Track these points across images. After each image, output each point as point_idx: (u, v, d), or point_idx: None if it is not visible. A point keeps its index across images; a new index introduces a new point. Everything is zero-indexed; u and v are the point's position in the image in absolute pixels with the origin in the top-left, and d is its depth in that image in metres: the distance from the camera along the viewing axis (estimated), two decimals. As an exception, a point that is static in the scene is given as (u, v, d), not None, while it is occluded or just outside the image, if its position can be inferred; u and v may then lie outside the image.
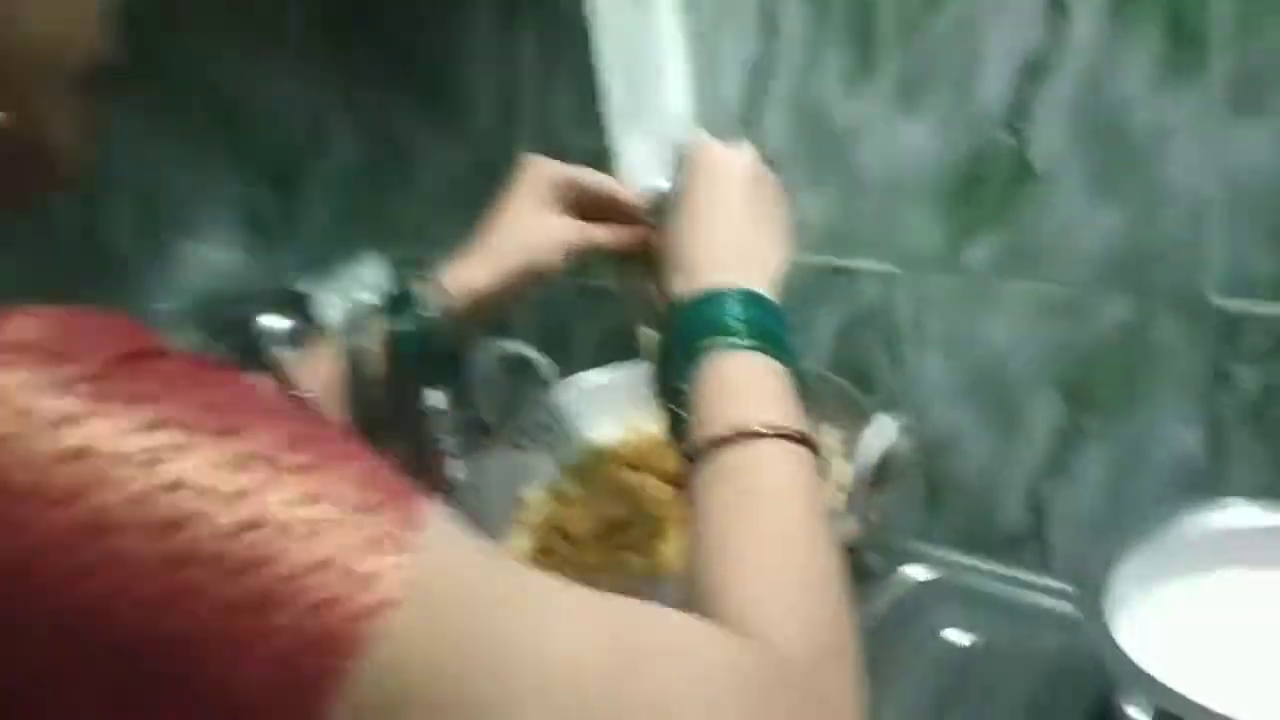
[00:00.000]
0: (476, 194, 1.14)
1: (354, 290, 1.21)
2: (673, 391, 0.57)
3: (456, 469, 1.19)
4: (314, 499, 0.30)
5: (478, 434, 0.94)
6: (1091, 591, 0.65)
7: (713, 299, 0.58)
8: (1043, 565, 0.97)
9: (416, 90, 1.13)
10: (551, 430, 0.98)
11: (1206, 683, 0.59)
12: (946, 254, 0.91)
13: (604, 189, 0.75)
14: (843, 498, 0.85)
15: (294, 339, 1.08)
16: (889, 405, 0.99)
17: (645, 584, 0.79)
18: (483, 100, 1.07)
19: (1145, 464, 0.87)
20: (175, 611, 0.27)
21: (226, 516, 0.28)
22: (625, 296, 0.74)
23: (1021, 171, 0.84)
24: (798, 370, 0.58)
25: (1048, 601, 0.84)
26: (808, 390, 0.93)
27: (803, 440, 0.52)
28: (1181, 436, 0.84)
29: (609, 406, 0.99)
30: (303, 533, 0.29)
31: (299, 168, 1.17)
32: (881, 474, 0.77)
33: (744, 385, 0.55)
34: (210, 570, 0.28)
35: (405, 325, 0.72)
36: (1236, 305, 0.78)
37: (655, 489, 0.91)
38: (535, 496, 0.93)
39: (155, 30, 1.01)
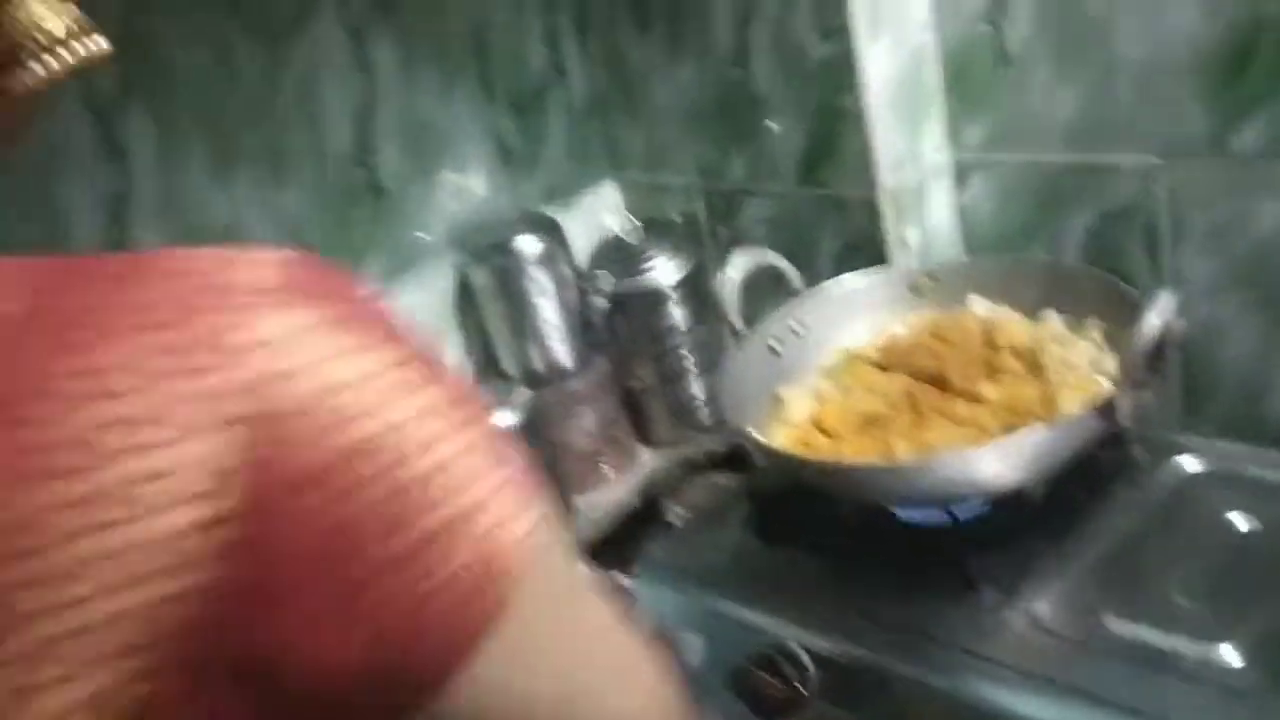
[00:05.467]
0: (706, 117, 1.17)
1: (593, 215, 1.27)
2: None
3: (696, 387, 1.24)
4: (478, 449, 0.31)
5: (725, 342, 0.98)
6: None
7: None
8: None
9: (650, 14, 1.16)
10: (800, 335, 1.01)
11: None
12: (1213, 140, 0.88)
13: None
14: (1110, 387, 0.84)
15: (545, 261, 1.14)
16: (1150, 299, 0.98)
17: (914, 466, 0.81)
18: (718, 19, 1.09)
19: None
20: (388, 536, 0.29)
21: (425, 458, 0.30)
22: None
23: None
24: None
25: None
26: (1068, 282, 0.93)
27: None
28: None
29: (856, 311, 1.01)
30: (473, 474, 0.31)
31: (540, 97, 1.22)
32: (1156, 357, 0.76)
33: None
34: (417, 496, 0.29)
35: None
36: None
37: (905, 385, 0.92)
38: (791, 395, 0.96)
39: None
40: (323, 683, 0.29)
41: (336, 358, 0.29)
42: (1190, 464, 0.87)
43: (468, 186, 1.18)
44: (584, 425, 1.20)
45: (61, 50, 0.33)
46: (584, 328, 1.19)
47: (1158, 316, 0.74)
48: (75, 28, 0.34)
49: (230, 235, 0.97)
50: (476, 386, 1.16)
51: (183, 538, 0.27)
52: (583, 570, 0.35)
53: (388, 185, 1.11)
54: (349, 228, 1.09)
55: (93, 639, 0.26)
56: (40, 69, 0.33)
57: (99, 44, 0.34)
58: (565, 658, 0.34)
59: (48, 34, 0.33)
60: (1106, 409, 0.76)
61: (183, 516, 0.27)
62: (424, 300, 1.16)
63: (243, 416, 0.27)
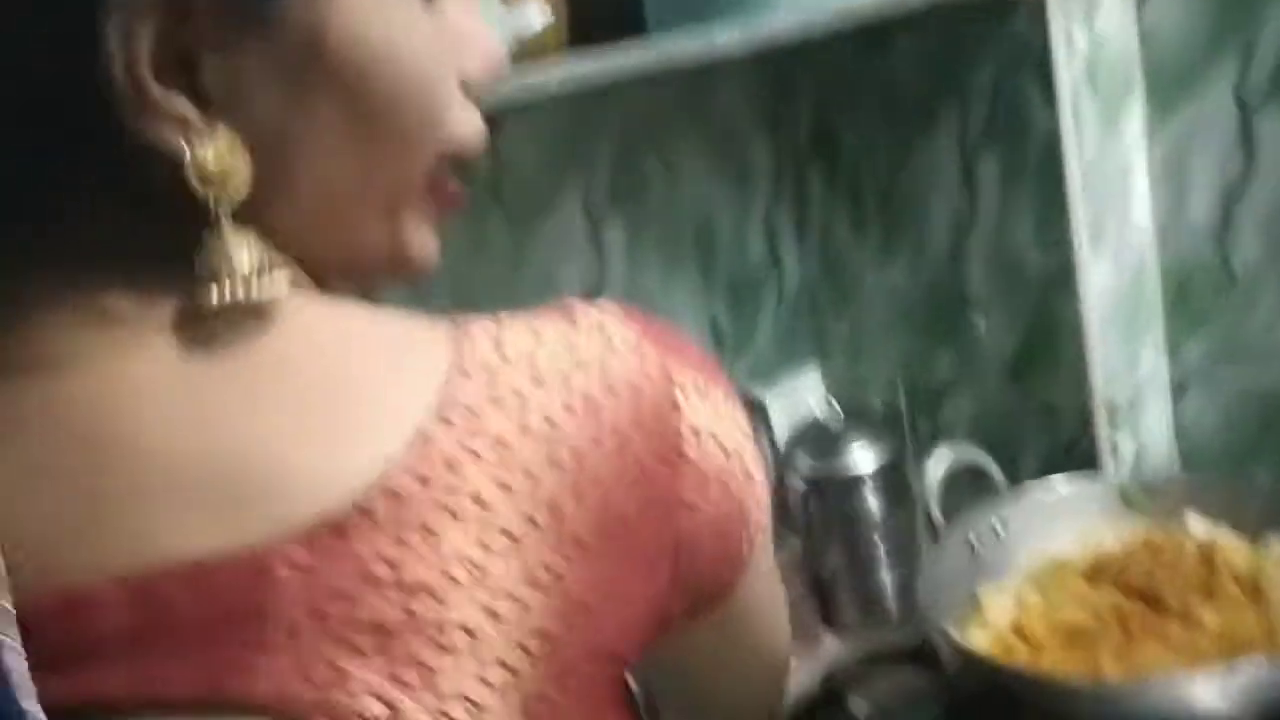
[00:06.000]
0: (914, 313, 1.20)
1: (796, 399, 1.31)
2: None
3: (886, 577, 1.23)
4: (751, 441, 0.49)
5: (921, 536, 0.98)
6: None
7: None
8: None
9: (866, 215, 1.22)
10: (1002, 537, 1.00)
11: None
12: None
13: None
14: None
15: (748, 437, 1.17)
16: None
17: (1124, 687, 0.79)
18: (935, 224, 1.14)
19: None
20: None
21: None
22: None
23: None
24: None
25: None
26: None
27: None
28: None
29: (1062, 517, 1.00)
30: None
31: (754, 286, 1.29)
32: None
33: None
34: (740, 478, 0.46)
35: None
36: None
37: (1115, 600, 0.90)
38: (991, 597, 0.95)
39: (652, 167, 1.18)
40: (702, 564, 0.45)
41: (723, 413, 0.48)
42: None
43: (679, 362, 1.24)
44: (771, 605, 1.21)
45: (242, 284, 0.37)
46: (778, 508, 1.21)
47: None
48: (261, 265, 0.37)
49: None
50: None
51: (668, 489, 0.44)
52: None
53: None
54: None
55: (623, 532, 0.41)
56: (218, 296, 0.37)
57: (278, 287, 0.38)
58: (769, 575, 0.53)
59: (233, 268, 0.37)
60: (1338, 648, 0.72)
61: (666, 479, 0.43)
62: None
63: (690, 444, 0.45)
